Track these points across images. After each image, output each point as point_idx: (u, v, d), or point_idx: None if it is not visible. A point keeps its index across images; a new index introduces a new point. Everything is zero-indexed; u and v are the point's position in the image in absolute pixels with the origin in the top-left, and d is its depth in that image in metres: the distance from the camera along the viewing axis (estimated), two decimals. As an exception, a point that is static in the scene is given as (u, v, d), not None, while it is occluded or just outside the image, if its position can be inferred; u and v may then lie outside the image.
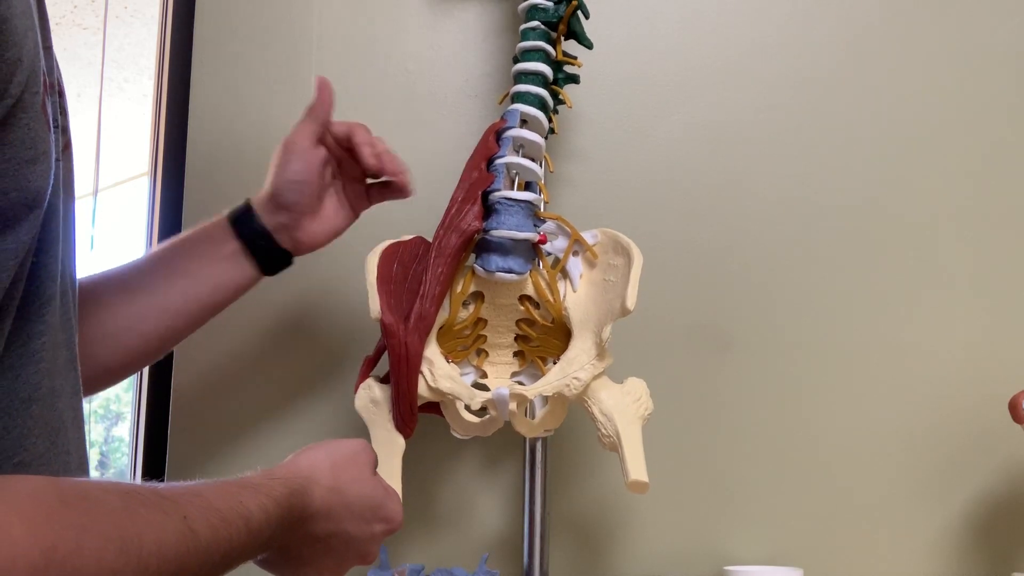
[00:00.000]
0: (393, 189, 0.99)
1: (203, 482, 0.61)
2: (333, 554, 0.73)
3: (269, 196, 0.93)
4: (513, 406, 0.95)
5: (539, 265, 1.01)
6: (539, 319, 1.02)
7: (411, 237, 1.02)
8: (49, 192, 0.58)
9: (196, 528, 0.53)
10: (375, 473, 0.77)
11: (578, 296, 1.00)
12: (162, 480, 0.58)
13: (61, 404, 0.63)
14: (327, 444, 0.75)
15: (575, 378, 0.95)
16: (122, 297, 0.88)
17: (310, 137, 0.95)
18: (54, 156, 0.60)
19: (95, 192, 3.34)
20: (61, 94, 0.68)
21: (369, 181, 1.00)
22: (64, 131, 0.68)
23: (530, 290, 1.01)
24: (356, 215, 1.00)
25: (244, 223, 0.93)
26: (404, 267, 0.99)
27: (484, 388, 0.99)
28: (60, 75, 0.68)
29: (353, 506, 0.73)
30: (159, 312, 0.90)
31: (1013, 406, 1.01)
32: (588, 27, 1.05)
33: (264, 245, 0.93)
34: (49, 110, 0.59)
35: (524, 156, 1.00)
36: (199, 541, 0.53)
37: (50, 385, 0.62)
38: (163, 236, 1.20)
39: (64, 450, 0.62)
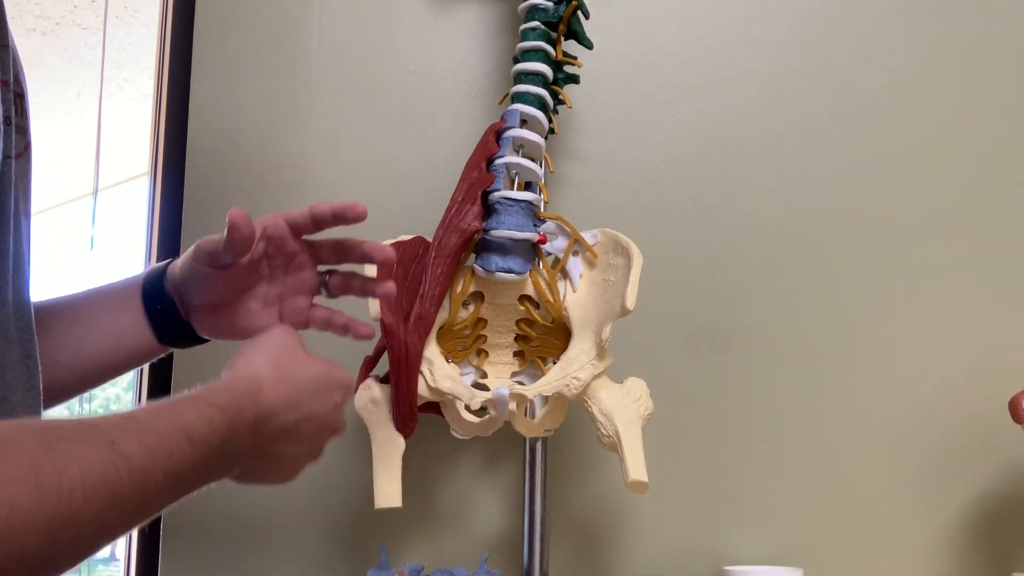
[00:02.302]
0: (352, 330, 0.85)
1: (144, 404, 0.60)
2: (306, 438, 0.73)
3: (181, 263, 0.83)
4: (513, 406, 0.95)
5: (539, 265, 1.01)
6: (539, 319, 1.02)
7: (411, 237, 1.02)
8: None
9: (127, 451, 0.52)
10: (306, 351, 0.77)
11: (578, 296, 1.00)
12: None
13: (14, 398, 0.64)
14: (254, 344, 0.75)
15: (575, 378, 0.95)
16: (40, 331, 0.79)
17: (215, 256, 0.80)
18: (2, 150, 0.60)
19: (95, 192, 3.34)
20: (21, 95, 0.67)
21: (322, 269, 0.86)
22: (23, 132, 0.67)
23: (530, 290, 1.01)
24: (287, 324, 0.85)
25: (152, 284, 0.85)
26: (404, 267, 0.99)
27: (484, 388, 0.99)
28: (23, 77, 0.68)
29: (307, 386, 0.73)
30: (52, 360, 0.78)
31: (1013, 406, 1.01)
32: (588, 27, 1.05)
33: (163, 311, 0.84)
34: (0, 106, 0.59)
35: (524, 156, 1.00)
36: (132, 463, 0.52)
37: (12, 378, 0.62)
38: (163, 236, 1.20)
39: None
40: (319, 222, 0.81)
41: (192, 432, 0.58)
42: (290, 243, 0.82)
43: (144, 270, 0.87)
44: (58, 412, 0.87)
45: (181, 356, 1.15)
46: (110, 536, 0.52)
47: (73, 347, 0.83)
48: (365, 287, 0.85)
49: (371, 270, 0.88)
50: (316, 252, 0.84)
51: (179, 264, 0.83)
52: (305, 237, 0.83)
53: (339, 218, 0.81)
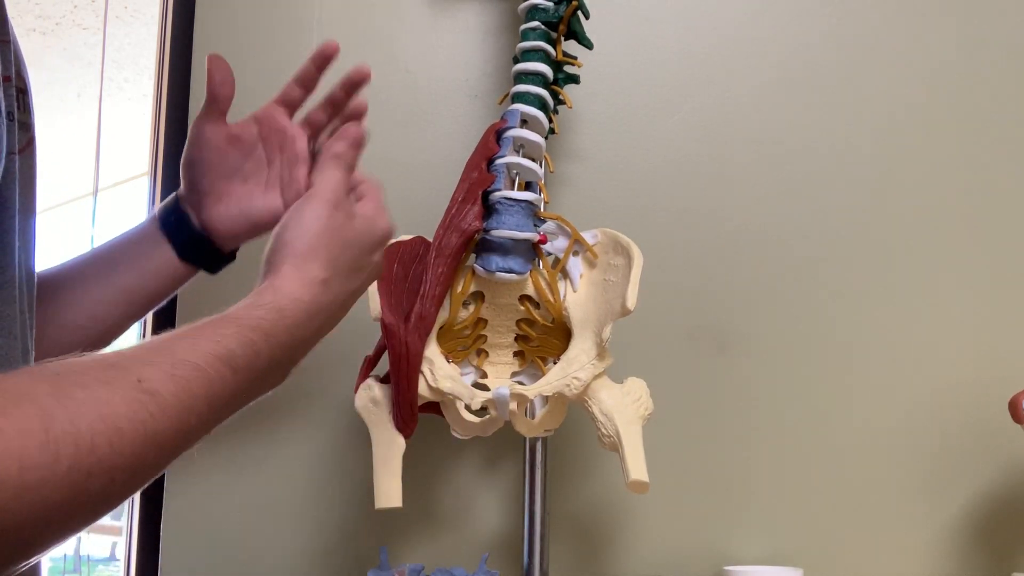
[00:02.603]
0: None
1: (175, 331, 0.57)
2: (356, 293, 0.74)
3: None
4: (513, 406, 0.95)
5: (539, 265, 1.01)
6: (539, 319, 1.02)
7: (411, 237, 1.02)
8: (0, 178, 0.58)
9: (155, 388, 0.50)
10: (353, 217, 0.75)
11: (578, 296, 1.00)
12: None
13: None
14: (298, 236, 0.71)
15: (575, 378, 0.95)
16: (73, 288, 0.87)
17: (207, 119, 0.88)
18: (6, 147, 0.60)
19: (95, 192, 3.34)
20: (23, 91, 0.67)
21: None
22: (26, 128, 0.67)
23: (530, 290, 1.01)
24: (289, 205, 0.87)
25: (167, 200, 0.91)
26: (404, 267, 0.99)
27: (484, 388, 0.99)
28: (26, 75, 0.68)
29: (354, 264, 0.73)
30: (98, 305, 0.87)
31: (1013, 406, 1.01)
32: (588, 27, 1.05)
33: (176, 221, 0.89)
34: (2, 101, 0.58)
35: (524, 156, 1.00)
36: (164, 399, 0.50)
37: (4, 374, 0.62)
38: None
39: None
40: (305, 82, 0.90)
41: (234, 360, 0.57)
42: (280, 117, 0.89)
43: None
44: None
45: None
46: (153, 472, 0.51)
47: (105, 288, 0.86)
48: (347, 117, 0.90)
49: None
50: (308, 122, 0.91)
51: (181, 165, 0.89)
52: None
53: (346, 86, 0.90)
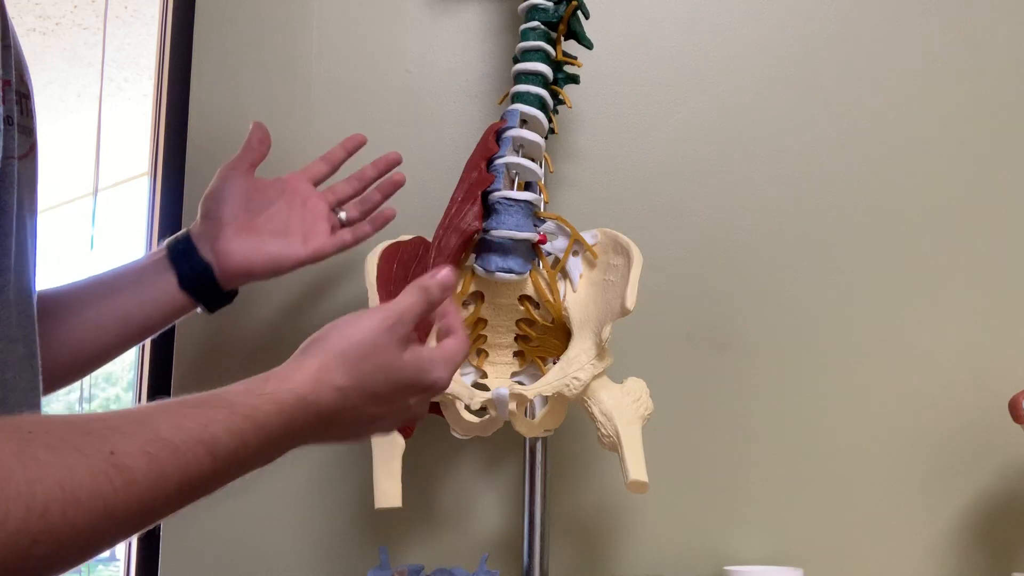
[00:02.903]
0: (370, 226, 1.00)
1: (165, 403, 0.55)
2: (374, 424, 0.68)
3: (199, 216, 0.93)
4: (513, 406, 0.95)
5: (539, 265, 1.01)
6: (539, 319, 1.02)
7: (411, 237, 1.02)
8: None
9: (126, 463, 0.49)
10: (405, 349, 0.68)
11: (578, 296, 1.00)
12: None
13: (13, 399, 0.63)
14: (338, 336, 0.66)
15: (575, 378, 0.95)
16: (71, 309, 0.87)
17: (238, 166, 0.94)
18: (4, 152, 0.59)
19: (95, 192, 3.34)
20: (27, 97, 0.67)
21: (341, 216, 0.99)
22: (28, 133, 0.67)
23: (530, 290, 1.01)
24: (309, 254, 0.93)
25: (173, 238, 0.93)
26: (404, 267, 0.99)
27: (484, 388, 0.99)
28: (29, 80, 0.68)
29: (381, 393, 0.66)
30: (92, 329, 0.86)
31: (1013, 406, 1.01)
32: (588, 27, 1.05)
33: (183, 250, 0.90)
34: (1, 105, 0.58)
35: (524, 156, 1.00)
36: (130, 476, 0.49)
37: (12, 377, 0.62)
38: (163, 236, 1.19)
39: None
40: (331, 161, 1.00)
41: (217, 447, 0.54)
42: (304, 184, 0.97)
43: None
44: (58, 408, 0.88)
45: (181, 356, 1.15)
46: (107, 544, 0.50)
47: (103, 312, 0.87)
48: (380, 193, 1.01)
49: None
50: (332, 191, 0.99)
51: (203, 200, 0.93)
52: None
53: (377, 167, 1.02)
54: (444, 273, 0.71)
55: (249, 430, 0.57)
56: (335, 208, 0.99)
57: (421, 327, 0.72)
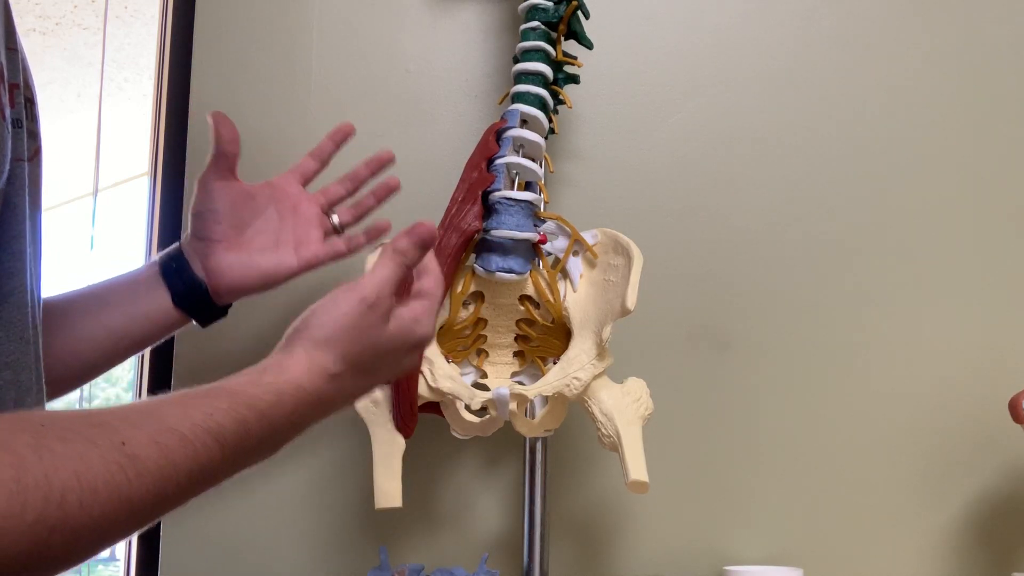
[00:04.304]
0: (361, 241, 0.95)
1: (168, 395, 0.56)
2: (371, 388, 0.70)
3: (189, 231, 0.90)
4: (513, 406, 0.95)
5: (539, 265, 1.01)
6: (539, 319, 1.02)
7: (411, 237, 1.02)
8: (3, 184, 0.58)
9: (138, 452, 0.50)
10: (388, 320, 0.69)
11: (578, 296, 1.00)
12: None
13: (29, 400, 0.63)
14: (321, 325, 0.67)
15: (575, 378, 0.95)
16: (63, 320, 0.85)
17: (218, 173, 0.89)
18: (12, 154, 0.60)
19: (95, 192, 3.34)
20: (31, 100, 0.67)
21: (335, 220, 0.96)
22: (34, 136, 0.67)
23: (530, 290, 1.01)
24: (300, 264, 0.91)
25: (169, 249, 0.90)
26: (404, 267, 0.98)
27: (484, 388, 0.99)
28: (32, 81, 0.68)
29: (373, 367, 0.68)
30: (82, 342, 0.85)
31: (1013, 406, 1.01)
32: (588, 27, 1.05)
33: (176, 268, 0.88)
34: (7, 108, 0.58)
35: (524, 156, 1.00)
36: (143, 465, 0.50)
37: (14, 379, 0.62)
38: (163, 236, 1.20)
39: None
40: (321, 156, 0.95)
41: (223, 435, 0.55)
42: (293, 185, 0.93)
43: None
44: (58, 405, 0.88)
45: (180, 358, 1.15)
46: (121, 536, 0.50)
47: (93, 324, 0.85)
48: (375, 197, 0.97)
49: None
50: (324, 193, 0.95)
51: (190, 215, 0.89)
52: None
53: (371, 165, 0.97)
54: (419, 229, 0.72)
55: (252, 419, 0.58)
56: (327, 211, 0.96)
57: (403, 287, 0.73)
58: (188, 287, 0.88)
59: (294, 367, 0.64)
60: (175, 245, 0.91)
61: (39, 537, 0.45)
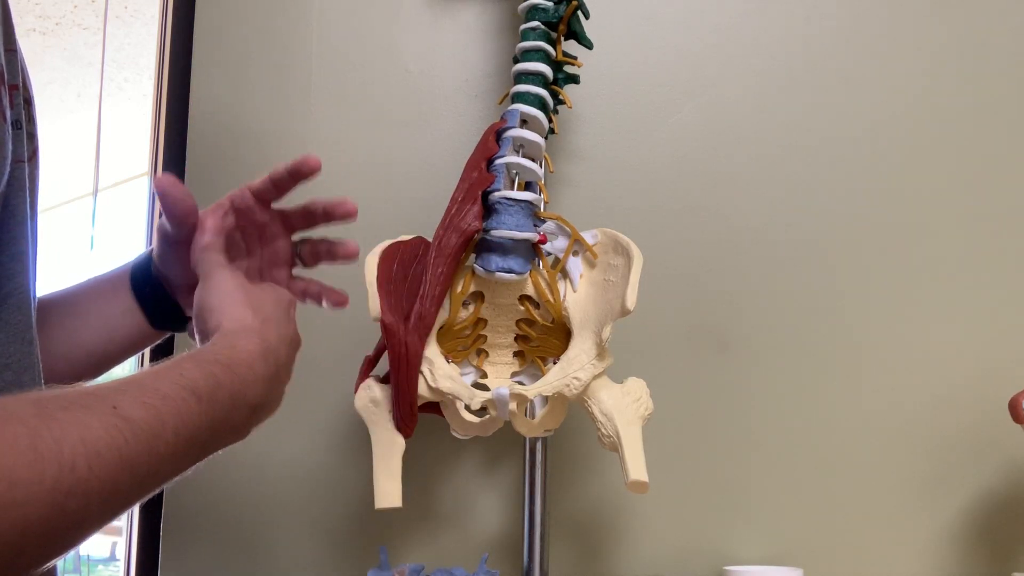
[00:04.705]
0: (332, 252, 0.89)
1: (141, 370, 0.60)
2: (288, 362, 0.74)
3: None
4: (513, 406, 0.95)
5: (539, 265, 1.01)
6: (539, 319, 1.02)
7: (411, 237, 1.02)
8: (4, 186, 0.58)
9: (130, 415, 0.52)
10: (249, 282, 0.77)
11: (578, 296, 1.00)
12: None
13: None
14: (212, 294, 0.74)
15: (575, 378, 0.95)
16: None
17: (173, 241, 0.82)
18: (12, 155, 0.60)
19: (95, 192, 3.34)
20: (28, 101, 0.67)
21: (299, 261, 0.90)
22: (32, 137, 0.67)
23: (530, 290, 1.01)
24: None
25: (140, 268, 0.86)
26: (404, 267, 0.99)
27: (484, 388, 0.99)
28: (30, 82, 0.68)
29: (277, 315, 0.74)
30: (48, 353, 0.80)
31: (1013, 406, 1.01)
32: (588, 27, 1.05)
33: (152, 295, 0.86)
34: (8, 109, 0.58)
35: (524, 156, 1.00)
36: (136, 426, 0.52)
37: (15, 380, 0.62)
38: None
39: None
40: (279, 185, 0.84)
41: (197, 389, 0.58)
42: (258, 213, 0.85)
43: (133, 258, 0.88)
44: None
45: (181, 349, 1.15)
46: (125, 502, 0.52)
47: (68, 338, 0.84)
48: (331, 250, 0.88)
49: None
50: (288, 221, 0.87)
51: (155, 249, 0.85)
52: (276, 207, 0.86)
53: (328, 213, 0.86)
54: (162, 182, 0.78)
55: (220, 372, 0.62)
56: (293, 241, 0.89)
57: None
58: (166, 311, 0.87)
59: (229, 330, 0.69)
60: (144, 263, 0.86)
61: (57, 502, 0.46)
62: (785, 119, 1.22)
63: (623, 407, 0.95)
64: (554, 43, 1.03)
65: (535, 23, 1.02)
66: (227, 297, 0.73)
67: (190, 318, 0.86)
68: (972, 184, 1.22)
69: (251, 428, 0.68)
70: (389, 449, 0.95)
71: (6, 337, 0.61)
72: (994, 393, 1.11)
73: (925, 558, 1.16)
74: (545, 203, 1.07)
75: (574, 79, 1.07)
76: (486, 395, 0.96)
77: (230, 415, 0.63)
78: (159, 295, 0.86)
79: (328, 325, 1.16)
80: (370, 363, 1.01)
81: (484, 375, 1.03)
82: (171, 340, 1.13)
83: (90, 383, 0.55)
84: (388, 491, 0.95)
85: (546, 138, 1.03)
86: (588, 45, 1.05)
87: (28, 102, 0.67)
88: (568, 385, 0.95)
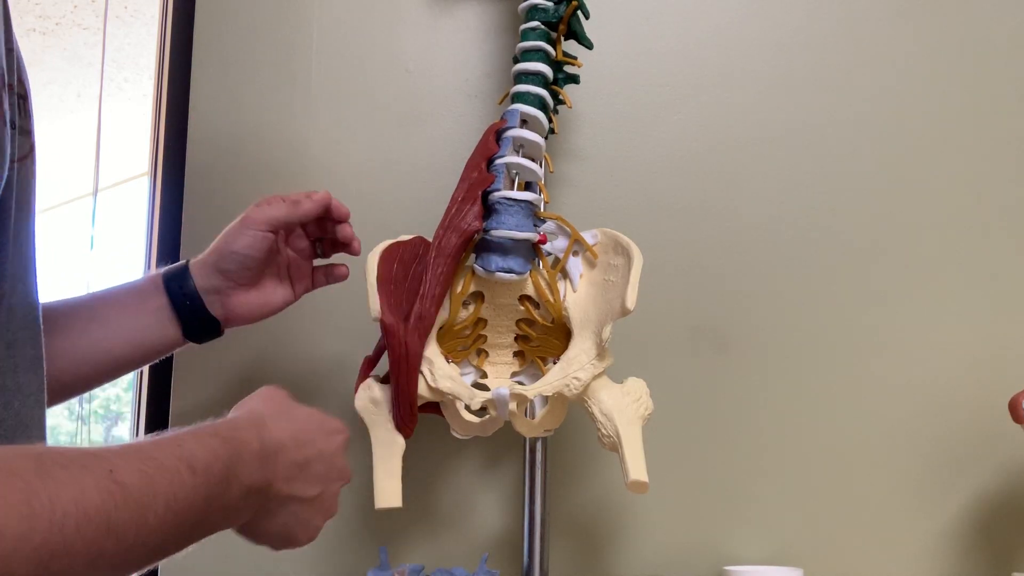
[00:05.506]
0: (333, 275, 1.02)
1: (144, 437, 0.60)
2: (318, 481, 0.74)
3: (209, 260, 0.93)
4: (513, 406, 0.95)
5: (539, 265, 1.01)
6: (539, 319, 1.02)
7: (411, 237, 1.02)
8: (2, 188, 0.58)
9: (124, 480, 0.52)
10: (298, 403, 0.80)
11: (578, 296, 1.00)
12: None
13: (30, 402, 0.64)
14: (248, 399, 0.76)
15: (575, 378, 0.95)
16: (48, 331, 0.87)
17: (270, 223, 0.93)
18: (9, 154, 0.60)
19: (95, 192, 3.34)
20: (24, 98, 0.67)
21: (316, 263, 1.01)
22: (27, 134, 0.67)
23: (530, 290, 1.01)
24: (296, 296, 0.99)
25: (176, 281, 0.92)
26: (404, 267, 0.99)
27: (484, 388, 0.99)
28: (27, 80, 0.68)
29: (309, 425, 0.75)
30: (70, 356, 0.87)
31: (1013, 406, 1.01)
32: (588, 27, 1.05)
33: (191, 306, 0.92)
34: (7, 108, 0.58)
35: (524, 156, 1.00)
36: (129, 491, 0.52)
37: (15, 382, 0.62)
38: (163, 236, 1.20)
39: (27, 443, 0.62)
40: (303, 213, 0.95)
41: (194, 461, 0.58)
42: (294, 226, 0.96)
43: (153, 271, 0.94)
44: (59, 409, 0.89)
45: (181, 357, 1.15)
46: (108, 568, 0.51)
47: (92, 343, 0.88)
48: (335, 244, 1.00)
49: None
50: (305, 225, 0.98)
51: (202, 258, 0.93)
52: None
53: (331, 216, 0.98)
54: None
55: (218, 445, 0.61)
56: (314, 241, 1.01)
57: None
58: (202, 323, 0.93)
59: (243, 412, 0.72)
60: (180, 274, 0.92)
61: (41, 562, 0.46)
62: (785, 119, 1.22)
63: (623, 407, 0.95)
64: (554, 43, 1.03)
65: (535, 23, 1.02)
66: (258, 398, 0.76)
67: (217, 329, 0.94)
68: (973, 184, 1.22)
69: (246, 513, 0.67)
70: (389, 449, 0.95)
71: (4, 339, 0.61)
72: (994, 393, 1.11)
73: (925, 558, 1.16)
74: (545, 203, 1.07)
75: (574, 79, 1.07)
76: (486, 395, 0.96)
77: (223, 495, 0.62)
78: (196, 306, 0.91)
79: (328, 325, 1.16)
80: (370, 363, 1.01)
81: (484, 375, 1.03)
82: (170, 357, 1.13)
83: (90, 446, 0.55)
84: (388, 491, 0.95)
85: (546, 138, 1.03)
86: (588, 45, 1.05)
87: (23, 98, 0.67)
88: (568, 385, 0.95)
